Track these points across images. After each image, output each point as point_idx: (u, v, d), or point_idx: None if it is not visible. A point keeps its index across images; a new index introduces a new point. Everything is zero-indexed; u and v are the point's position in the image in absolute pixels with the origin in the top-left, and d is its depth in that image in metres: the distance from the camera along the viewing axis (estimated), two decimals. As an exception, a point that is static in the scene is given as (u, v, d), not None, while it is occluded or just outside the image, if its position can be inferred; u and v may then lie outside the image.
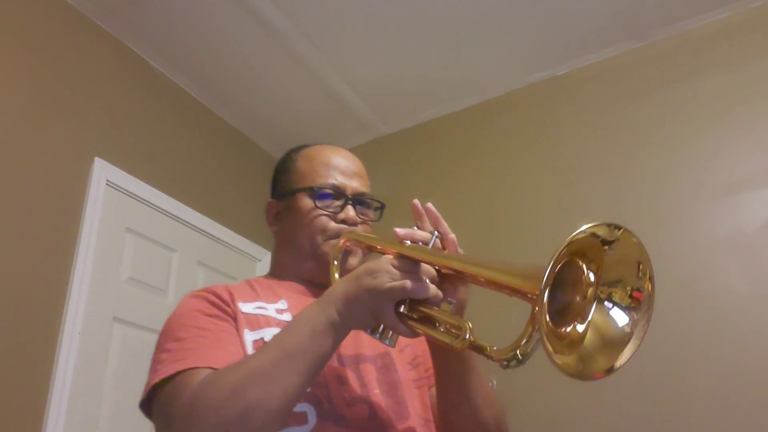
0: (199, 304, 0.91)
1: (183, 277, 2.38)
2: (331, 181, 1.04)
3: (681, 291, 1.86)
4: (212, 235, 2.56)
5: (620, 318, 0.67)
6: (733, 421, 1.71)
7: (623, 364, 0.65)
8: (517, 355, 0.66)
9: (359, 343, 0.94)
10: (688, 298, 1.86)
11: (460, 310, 0.83)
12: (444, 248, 0.85)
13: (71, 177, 2.02)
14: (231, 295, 0.93)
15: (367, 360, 0.93)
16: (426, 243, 0.83)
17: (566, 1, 2.12)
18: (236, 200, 2.71)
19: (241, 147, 2.83)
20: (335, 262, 0.97)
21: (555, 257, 0.60)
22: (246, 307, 0.93)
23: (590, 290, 0.67)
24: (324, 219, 1.02)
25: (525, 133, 2.46)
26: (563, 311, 0.67)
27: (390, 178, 2.55)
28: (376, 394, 0.89)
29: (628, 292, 0.67)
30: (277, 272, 1.09)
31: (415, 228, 0.86)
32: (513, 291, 0.68)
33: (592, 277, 0.67)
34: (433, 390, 0.96)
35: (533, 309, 0.69)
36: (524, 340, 0.66)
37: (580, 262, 0.67)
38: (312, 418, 0.83)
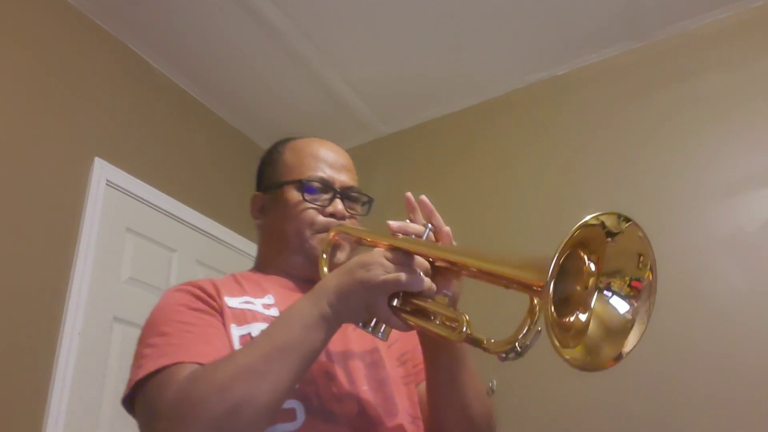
0: (184, 298, 0.89)
1: (183, 277, 2.37)
2: (320, 174, 1.03)
3: (681, 290, 1.86)
4: (212, 235, 2.56)
5: (621, 306, 0.66)
6: (733, 420, 1.70)
7: (631, 350, 0.64)
8: (515, 347, 0.65)
9: (347, 338, 0.93)
10: (688, 298, 1.86)
11: (453, 303, 0.81)
12: (438, 241, 0.83)
13: (71, 177, 2.02)
14: (217, 289, 0.91)
15: (356, 356, 0.92)
16: (419, 236, 0.81)
17: (566, 1, 2.12)
18: (236, 200, 2.69)
19: (241, 147, 2.83)
20: (324, 256, 0.96)
21: (561, 247, 0.59)
22: (232, 302, 0.90)
23: (591, 280, 0.66)
24: (312, 212, 1.00)
25: (525, 133, 2.45)
26: (564, 302, 0.66)
27: (390, 178, 2.55)
28: (365, 390, 0.88)
29: (627, 282, 0.66)
30: (262, 266, 1.07)
31: (408, 221, 0.84)
32: (514, 283, 0.67)
33: (592, 267, 0.66)
34: (422, 386, 0.94)
35: (531, 300, 0.68)
36: (523, 332, 0.65)
37: (582, 253, 0.66)
38: (301, 415, 0.81)
